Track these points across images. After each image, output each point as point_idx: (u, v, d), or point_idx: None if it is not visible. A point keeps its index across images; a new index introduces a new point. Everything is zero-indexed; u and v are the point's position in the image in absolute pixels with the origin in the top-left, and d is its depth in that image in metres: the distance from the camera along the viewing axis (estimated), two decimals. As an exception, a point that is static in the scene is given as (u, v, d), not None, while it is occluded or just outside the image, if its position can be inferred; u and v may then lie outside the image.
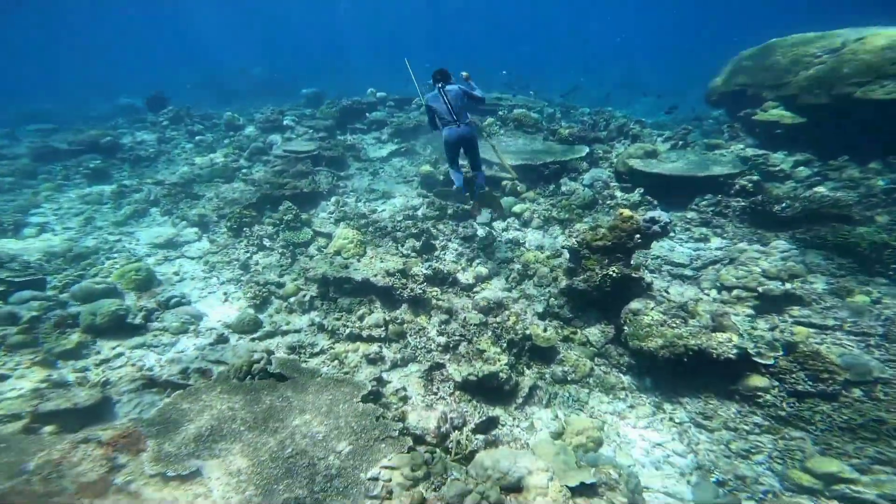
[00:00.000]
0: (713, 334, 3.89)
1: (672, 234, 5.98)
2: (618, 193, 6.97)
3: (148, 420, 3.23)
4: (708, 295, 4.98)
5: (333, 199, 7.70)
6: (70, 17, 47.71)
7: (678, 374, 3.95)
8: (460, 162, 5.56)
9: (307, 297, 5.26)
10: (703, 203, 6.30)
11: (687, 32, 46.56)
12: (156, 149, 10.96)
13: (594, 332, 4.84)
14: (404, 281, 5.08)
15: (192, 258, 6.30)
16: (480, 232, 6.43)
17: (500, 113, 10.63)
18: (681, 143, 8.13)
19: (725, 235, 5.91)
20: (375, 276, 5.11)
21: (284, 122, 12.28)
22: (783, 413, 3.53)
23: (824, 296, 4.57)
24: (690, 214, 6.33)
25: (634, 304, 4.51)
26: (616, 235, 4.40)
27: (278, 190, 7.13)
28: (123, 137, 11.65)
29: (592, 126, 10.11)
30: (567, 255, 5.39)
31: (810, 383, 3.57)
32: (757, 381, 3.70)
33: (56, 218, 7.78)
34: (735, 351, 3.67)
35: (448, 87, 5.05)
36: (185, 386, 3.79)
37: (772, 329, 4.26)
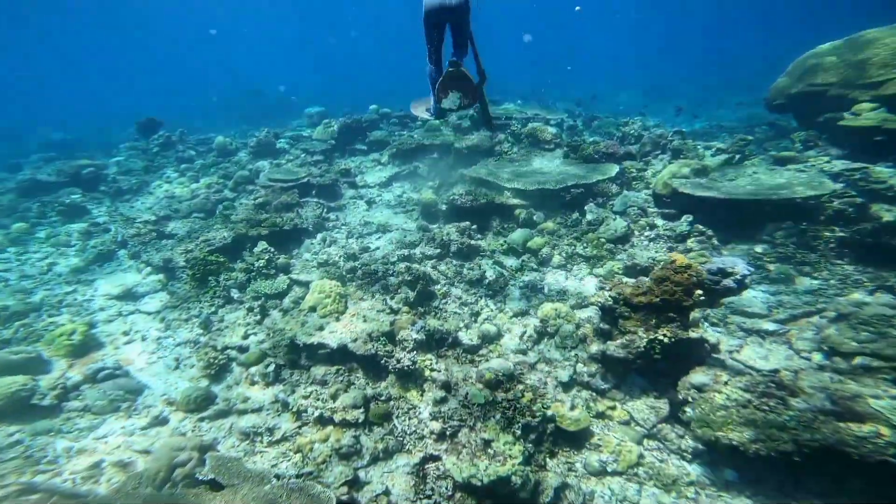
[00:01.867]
0: (842, 424, 2.89)
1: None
2: (658, 222, 5.98)
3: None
4: (809, 360, 3.89)
5: (320, 236, 7.01)
6: (100, 41, 51.07)
7: (779, 466, 2.97)
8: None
9: (272, 367, 4.48)
10: (780, 234, 5.21)
11: (718, 39, 45.56)
12: (139, 179, 10.69)
13: (640, 408, 3.89)
14: (390, 348, 4.25)
15: (149, 313, 5.66)
16: (490, 274, 5.55)
17: (513, 128, 9.84)
18: (737, 156, 7.06)
19: (818, 275, 4.81)
20: (355, 341, 4.33)
21: (279, 146, 11.93)
22: None
23: None
24: (760, 247, 5.25)
25: (698, 377, 3.56)
26: (666, 290, 3.43)
27: (254, 228, 6.48)
28: (108, 168, 11.49)
29: (621, 139, 9.19)
30: (598, 311, 4.42)
31: None
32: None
33: (18, 264, 7.39)
34: (893, 451, 2.67)
35: None
36: (75, 496, 3.02)
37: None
